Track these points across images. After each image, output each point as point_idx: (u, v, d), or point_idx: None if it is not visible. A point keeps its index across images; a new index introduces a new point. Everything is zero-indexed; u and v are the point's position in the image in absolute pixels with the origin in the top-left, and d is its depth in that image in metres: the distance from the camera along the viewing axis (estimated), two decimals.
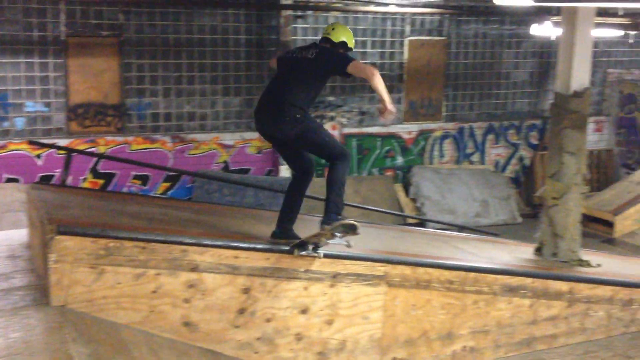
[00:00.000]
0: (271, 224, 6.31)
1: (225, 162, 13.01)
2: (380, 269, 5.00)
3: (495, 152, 15.46)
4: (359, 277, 4.95)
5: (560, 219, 6.65)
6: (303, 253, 4.83)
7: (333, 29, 5.39)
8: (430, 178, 14.33)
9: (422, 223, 13.24)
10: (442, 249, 6.62)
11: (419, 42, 14.26)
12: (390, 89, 14.30)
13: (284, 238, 5.07)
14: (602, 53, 15.96)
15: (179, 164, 12.39)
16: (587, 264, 6.68)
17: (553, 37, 13.16)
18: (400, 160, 14.66)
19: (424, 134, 14.81)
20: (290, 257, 4.75)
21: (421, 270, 5.15)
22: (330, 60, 5.14)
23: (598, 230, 13.41)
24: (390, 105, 5.20)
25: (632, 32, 13.85)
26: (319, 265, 4.82)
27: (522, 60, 15.39)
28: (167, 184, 12.57)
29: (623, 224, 13.19)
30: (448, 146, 14.99)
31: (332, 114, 13.93)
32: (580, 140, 6.59)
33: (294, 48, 5.45)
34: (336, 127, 13.99)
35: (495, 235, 10.72)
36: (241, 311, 4.65)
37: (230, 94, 13.08)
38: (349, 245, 4.84)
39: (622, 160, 16.41)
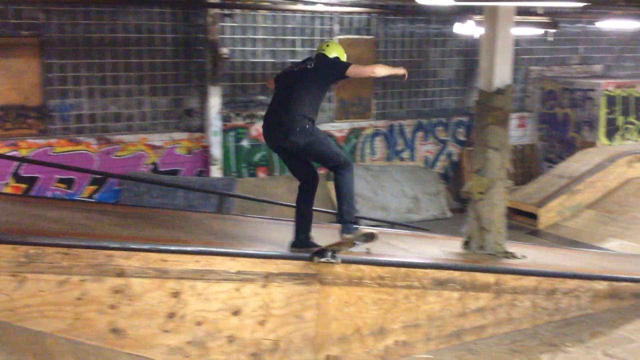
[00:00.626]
0: (203, 225, 6.23)
1: (154, 163, 12.77)
2: (312, 267, 5.00)
3: (425, 148, 15.75)
4: (291, 277, 4.93)
5: (486, 212, 6.82)
6: (323, 260, 5.03)
7: (327, 45, 5.58)
8: (362, 175, 14.46)
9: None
10: (376, 246, 6.67)
11: (348, 41, 14.36)
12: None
13: (303, 247, 5.26)
14: (523, 51, 16.50)
15: (105, 166, 12.08)
16: (513, 255, 6.87)
17: (476, 36, 13.51)
18: None
19: (355, 132, 14.93)
20: (221, 258, 4.69)
21: (353, 267, 5.17)
22: (330, 66, 5.36)
23: (523, 222, 13.83)
24: (401, 71, 5.48)
25: (552, 30, 14.33)
26: (251, 265, 4.78)
27: (448, 58, 15.74)
28: (93, 187, 12.23)
29: (547, 216, 13.65)
30: (379, 144, 15.17)
31: (263, 112, 13.83)
32: (504, 136, 6.77)
33: (290, 65, 5.69)
34: None
35: (426, 230, 10.91)
36: (171, 315, 4.55)
37: (158, 93, 12.84)
38: (369, 252, 5.20)
39: (545, 155, 17.01)
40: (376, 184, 14.40)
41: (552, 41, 16.63)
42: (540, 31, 14.92)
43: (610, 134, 15.93)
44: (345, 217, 5.27)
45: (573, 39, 17.17)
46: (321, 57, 5.45)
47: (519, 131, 16.84)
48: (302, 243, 5.35)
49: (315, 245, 5.29)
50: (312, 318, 4.98)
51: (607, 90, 15.66)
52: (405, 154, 15.52)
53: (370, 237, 5.19)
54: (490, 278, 5.81)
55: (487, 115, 6.70)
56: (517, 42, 16.26)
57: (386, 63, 15.00)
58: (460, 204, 14.78)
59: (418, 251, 6.73)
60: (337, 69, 5.33)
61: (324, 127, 14.48)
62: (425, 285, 5.48)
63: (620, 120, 16.01)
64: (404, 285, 5.40)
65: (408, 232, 8.91)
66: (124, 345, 4.46)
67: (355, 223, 5.27)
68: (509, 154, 7.01)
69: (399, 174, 14.85)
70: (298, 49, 14.00)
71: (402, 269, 5.39)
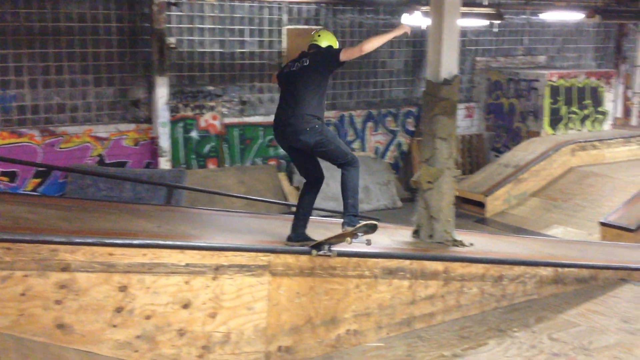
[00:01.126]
0: (151, 218, 6.13)
1: (99, 155, 12.50)
2: (263, 258, 4.97)
3: (375, 139, 15.86)
4: (242, 268, 4.89)
5: (435, 202, 6.90)
6: (320, 253, 5.22)
7: (319, 35, 5.60)
8: None
9: None
10: (325, 236, 6.67)
11: (297, 31, 14.33)
12: (270, 78, 14.30)
13: (299, 241, 5.41)
14: (470, 42, 16.76)
15: (49, 159, 11.77)
16: (461, 243, 6.97)
17: (424, 27, 13.65)
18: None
19: None
20: (169, 251, 4.62)
21: (304, 258, 5.17)
22: (324, 58, 5.38)
23: (471, 211, 14.09)
24: (400, 30, 5.47)
25: (497, 22, 14.59)
26: (200, 258, 4.73)
27: (397, 49, 15.86)
28: (37, 180, 11.91)
29: (493, 204, 13.94)
30: None
31: (212, 103, 13.72)
32: (451, 126, 6.85)
33: (287, 63, 5.64)
34: (217, 117, 13.80)
35: (376, 220, 10.99)
36: (118, 310, 4.47)
37: (103, 84, 12.57)
38: (369, 243, 5.21)
39: (491, 144, 17.34)
40: (327, 174, 14.28)
41: (498, 32, 16.95)
42: (485, 22, 15.19)
43: (554, 124, 16.35)
44: (350, 210, 5.42)
45: (518, 30, 17.53)
46: (314, 52, 5.49)
47: (466, 121, 17.13)
48: (298, 237, 5.49)
49: (311, 239, 5.43)
50: (264, 309, 4.96)
51: (550, 80, 16.06)
52: (356, 144, 15.60)
53: (371, 228, 5.25)
54: (439, 266, 5.90)
55: (435, 106, 6.77)
56: (464, 33, 16.52)
57: None
58: (410, 194, 14.95)
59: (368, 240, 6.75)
60: (330, 59, 5.36)
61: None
62: (375, 274, 5.52)
63: (563, 110, 16.45)
64: (355, 275, 5.43)
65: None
66: (70, 341, 4.35)
67: (357, 216, 5.42)
68: (456, 143, 7.11)
69: None
70: (247, 39, 13.89)
71: (353, 259, 5.41)
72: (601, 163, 15.14)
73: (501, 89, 16.86)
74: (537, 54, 18.01)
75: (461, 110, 16.89)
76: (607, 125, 17.28)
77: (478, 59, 17.08)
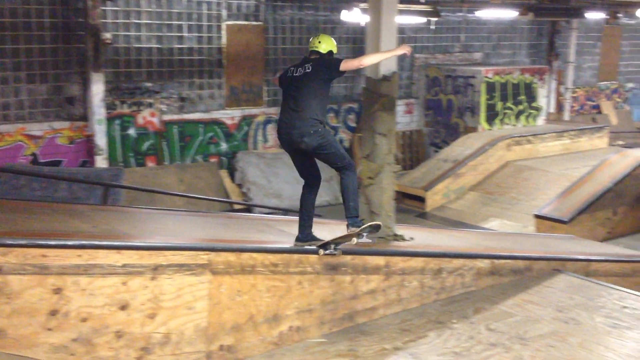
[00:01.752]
0: (87, 218, 5.97)
1: (33, 154, 12.12)
2: (203, 257, 4.91)
3: None
4: (181, 268, 4.82)
5: (376, 197, 6.98)
6: (327, 252, 5.53)
7: (319, 41, 5.80)
8: (255, 163, 14.41)
9: (248, 208, 13.28)
10: (267, 233, 6.67)
11: (237, 26, 14.23)
12: (209, 74, 14.22)
13: (308, 241, 5.70)
14: (409, 39, 16.97)
15: None
16: (402, 238, 7.08)
17: (363, 23, 13.76)
18: (224, 146, 14.58)
19: (246, 120, 14.84)
20: (106, 252, 4.51)
21: (245, 255, 5.13)
22: (326, 67, 5.63)
23: (412, 205, 14.29)
24: (401, 50, 5.93)
25: (434, 19, 14.82)
26: (138, 258, 4.63)
27: (337, 45, 15.87)
28: None
29: (433, 199, 14.17)
30: (271, 131, 15.16)
31: (150, 100, 13.49)
32: (391, 122, 6.94)
33: (290, 67, 5.85)
34: (155, 114, 13.57)
35: (319, 216, 11.02)
36: (53, 312, 4.33)
37: (36, 81, 12.17)
38: (373, 242, 5.60)
39: (431, 140, 17.62)
40: (270, 171, 14.39)
41: (435, 30, 17.23)
42: (423, 19, 15.42)
43: (490, 119, 16.74)
44: (352, 212, 5.72)
45: (454, 27, 17.86)
46: (316, 58, 5.71)
47: (406, 117, 17.35)
48: (306, 237, 5.76)
49: (318, 239, 5.72)
50: (204, 309, 4.91)
51: (486, 77, 16.43)
52: None
53: (375, 229, 5.61)
54: (380, 261, 5.95)
55: (375, 102, 6.83)
56: (403, 30, 16.71)
57: (276, 50, 15.00)
58: None
59: None
60: (331, 69, 5.63)
61: (214, 114, 14.30)
62: (318, 270, 5.53)
63: (499, 105, 16.85)
64: (297, 272, 5.42)
65: None
66: (3, 346, 4.20)
67: (359, 216, 5.74)
68: (396, 139, 7.19)
69: None
70: (185, 34, 13.70)
71: (295, 256, 5.41)
72: (535, 157, 15.59)
73: (439, 86, 17.15)
74: (474, 51, 18.39)
75: (401, 107, 17.11)
76: (540, 120, 17.79)
77: (417, 55, 17.32)
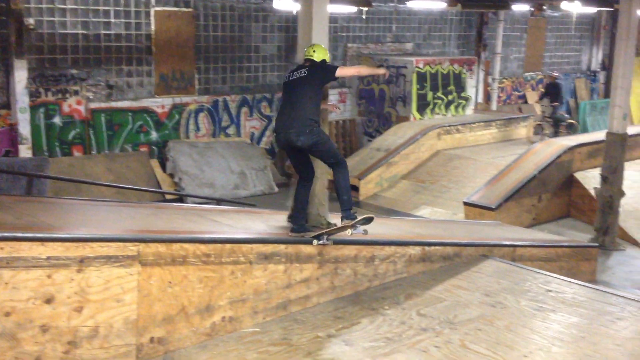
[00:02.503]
0: (9, 209, 5.73)
1: None
2: (132, 248, 4.79)
3: (250, 124, 15.79)
4: (109, 259, 4.69)
5: None
6: (320, 242, 5.93)
7: (314, 50, 6.35)
8: (187, 152, 14.19)
9: (181, 198, 13.08)
10: (199, 223, 6.57)
11: (166, 13, 13.93)
12: (138, 62, 13.89)
13: (302, 232, 6.14)
14: (342, 28, 17.04)
15: None
16: (335, 226, 7.08)
17: (294, 12, 13.71)
18: (154, 135, 14.29)
19: (177, 108, 14.58)
20: (29, 244, 4.34)
21: (176, 246, 5.04)
22: (321, 72, 6.23)
23: None
24: (382, 71, 6.65)
25: (365, 9, 14.89)
26: (63, 250, 4.48)
27: (269, 34, 15.82)
28: None
29: (367, 188, 14.32)
30: (203, 119, 14.96)
31: (76, 87, 13.05)
32: (323, 111, 6.91)
33: (289, 73, 6.42)
34: (82, 102, 13.15)
35: (252, 205, 10.97)
36: None
37: None
38: (366, 232, 6.08)
39: (364, 129, 17.77)
40: (202, 160, 14.20)
41: (367, 20, 17.35)
42: (354, 9, 15.50)
43: (421, 109, 17.02)
44: (346, 205, 6.19)
45: (386, 17, 18.03)
46: (312, 64, 6.27)
47: (339, 106, 17.42)
48: (300, 229, 6.21)
49: (311, 231, 6.19)
50: (134, 301, 4.80)
51: (417, 67, 16.67)
52: (231, 130, 15.45)
53: (368, 221, 6.07)
54: (313, 249, 5.96)
55: None
56: (335, 19, 16.76)
57: (207, 37, 14.78)
58: (287, 179, 15.05)
59: (244, 227, 6.72)
60: (327, 73, 6.23)
61: (144, 102, 13.98)
62: (251, 260, 5.50)
63: (429, 95, 17.15)
64: (230, 262, 5.37)
65: (234, 208, 8.88)
66: None
67: (352, 209, 6.20)
68: (329, 128, 7.19)
69: (225, 150, 14.76)
70: (112, 20, 13.31)
71: (228, 245, 5.35)
72: (464, 146, 15.97)
73: (372, 75, 17.29)
74: (405, 41, 18.63)
75: (334, 96, 17.18)
76: (469, 110, 18.22)
77: (349, 45, 17.41)
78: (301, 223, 6.28)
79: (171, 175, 13.88)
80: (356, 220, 6.05)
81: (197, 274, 5.17)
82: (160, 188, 13.50)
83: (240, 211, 8.00)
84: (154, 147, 14.23)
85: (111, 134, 13.66)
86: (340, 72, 6.28)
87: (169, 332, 5.01)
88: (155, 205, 8.03)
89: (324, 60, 6.34)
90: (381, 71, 6.65)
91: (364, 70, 6.86)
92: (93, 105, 13.30)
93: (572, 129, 18.09)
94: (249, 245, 5.49)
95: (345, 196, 6.22)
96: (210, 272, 5.24)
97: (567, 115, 17.66)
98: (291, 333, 5.35)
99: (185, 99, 14.62)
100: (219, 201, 11.65)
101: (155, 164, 14.02)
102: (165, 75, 14.28)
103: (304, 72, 6.21)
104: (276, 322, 5.57)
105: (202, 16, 14.60)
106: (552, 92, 17.42)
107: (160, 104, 14.24)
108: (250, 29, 15.44)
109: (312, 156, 6.38)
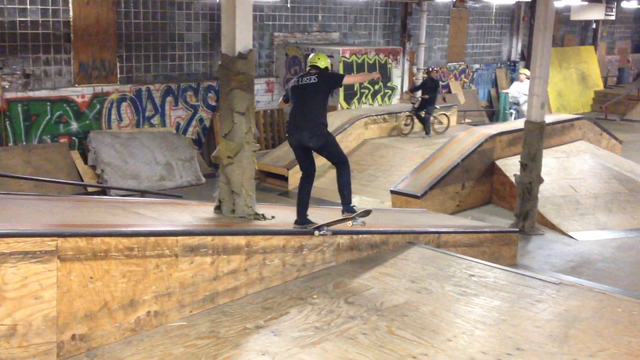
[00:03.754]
0: None
1: None
2: (50, 243, 4.61)
3: (176, 114, 15.49)
4: (26, 255, 4.50)
5: (236, 176, 6.90)
6: (321, 233, 6.55)
7: (318, 58, 7.01)
8: (110, 143, 13.79)
9: (104, 191, 12.72)
10: (122, 216, 6.39)
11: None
12: (56, 50, 13.37)
13: (304, 224, 6.71)
14: (268, 17, 16.92)
15: None
16: (263, 217, 7.06)
17: (218, 0, 13.51)
18: (74, 125, 13.82)
19: (98, 97, 14.13)
20: None
21: (97, 240, 4.88)
22: (330, 79, 6.91)
23: (275, 184, 14.35)
24: (374, 75, 7.35)
25: None
26: None
27: (194, 21, 15.54)
28: None
29: (295, 177, 14.23)
30: (126, 109, 14.57)
31: None
32: (249, 100, 6.85)
33: (297, 77, 6.98)
34: None
35: (179, 197, 10.79)
36: None
37: None
38: (364, 224, 6.72)
39: None
40: (126, 151, 13.82)
41: (293, 8, 17.29)
42: None
43: (348, 98, 17.12)
44: (346, 200, 6.87)
45: (312, 6, 18.02)
46: (321, 72, 6.89)
47: (267, 96, 17.34)
48: (303, 221, 6.77)
49: (313, 223, 6.70)
50: (53, 297, 4.62)
51: (344, 57, 16.75)
52: (156, 120, 15.11)
53: (366, 214, 6.79)
54: (241, 240, 5.91)
55: (231, 80, 6.72)
56: (261, 8, 16.63)
57: (129, 25, 14.37)
58: (214, 169, 14.84)
59: (169, 219, 6.59)
60: (335, 81, 6.92)
61: (63, 92, 13.49)
62: (176, 252, 5.39)
63: (356, 85, 17.26)
64: (155, 255, 5.25)
65: (160, 200, 8.69)
66: None
67: (352, 203, 6.92)
68: (254, 117, 7.13)
69: (150, 140, 14.42)
70: (28, 6, 12.74)
71: (152, 238, 5.22)
72: (391, 135, 16.17)
73: (299, 65, 17.26)
74: (331, 31, 18.69)
75: (262, 85, 17.06)
76: (395, 100, 18.46)
77: (276, 34, 17.31)
78: (304, 215, 6.83)
79: (93, 167, 13.46)
80: (355, 213, 6.71)
81: (120, 269, 5.03)
82: (82, 180, 13.07)
83: (165, 203, 7.84)
84: (74, 138, 13.76)
85: (29, 125, 13.11)
86: (347, 80, 6.93)
87: (91, 328, 4.86)
88: (75, 199, 7.77)
89: (326, 68, 6.99)
90: (375, 75, 7.37)
91: (365, 77, 7.61)
92: (9, 95, 12.72)
93: (426, 124, 16.39)
94: (174, 238, 5.38)
95: (345, 191, 6.87)
96: (134, 266, 5.11)
97: (437, 107, 16.69)
98: (219, 326, 5.28)
99: (107, 88, 14.18)
100: (143, 193, 11.39)
101: (76, 155, 13.56)
102: (85, 63, 13.80)
103: (314, 79, 6.80)
104: (204, 315, 5.50)
105: (123, 3, 14.18)
106: (429, 86, 16.23)
107: (80, 93, 13.76)
108: (174, 17, 15.11)
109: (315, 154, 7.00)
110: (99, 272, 4.90)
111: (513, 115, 18.53)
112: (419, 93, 17.14)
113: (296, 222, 6.80)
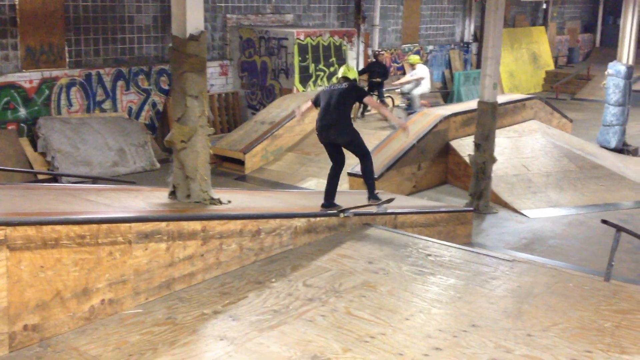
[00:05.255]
0: None
1: None
2: None
3: (127, 98, 15.20)
4: None
5: (190, 161, 6.80)
6: (346, 215, 7.40)
7: (349, 70, 8.35)
8: (60, 129, 13.46)
9: (55, 178, 12.42)
10: (73, 203, 6.25)
11: None
12: (2, 34, 12.96)
13: (331, 207, 7.69)
14: None
15: None
16: (219, 201, 6.99)
17: None
18: (23, 111, 13.44)
19: (47, 83, 13.76)
20: None
21: (47, 228, 4.76)
22: (357, 90, 8.08)
23: (231, 168, 14.26)
24: (404, 123, 9.44)
25: None
26: None
27: (144, 3, 15.21)
28: None
29: (252, 161, 14.24)
30: (76, 94, 14.23)
31: None
32: (202, 83, 6.75)
33: (330, 84, 8.14)
34: None
35: (132, 183, 10.59)
36: None
37: None
38: (386, 210, 7.96)
39: (248, 102, 17.60)
40: (76, 137, 13.51)
41: None
42: None
43: (304, 81, 17.05)
44: (371, 188, 8.04)
45: None
46: (351, 83, 8.08)
47: (221, 79, 17.14)
48: (330, 204, 7.78)
49: (338, 207, 7.63)
50: (3, 288, 4.49)
51: (298, 39, 16.65)
52: (107, 105, 14.80)
53: (390, 201, 8.01)
54: (197, 226, 5.84)
55: (183, 63, 6.60)
56: None
57: (77, 7, 13.98)
58: (168, 154, 14.61)
59: (122, 205, 6.48)
60: (360, 94, 8.06)
61: (10, 77, 13.08)
62: (130, 239, 5.29)
63: (312, 67, 17.20)
64: (108, 242, 5.15)
65: (112, 186, 8.53)
66: None
67: (376, 190, 8.13)
68: (208, 101, 7.03)
69: (101, 125, 14.13)
70: None
71: (104, 226, 5.11)
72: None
73: (253, 47, 17.10)
74: (285, 13, 18.54)
75: (215, 68, 16.85)
76: None
77: (229, 16, 17.08)
78: (331, 200, 7.82)
79: (43, 154, 13.13)
80: (380, 201, 7.91)
81: (72, 257, 4.91)
82: (32, 168, 12.74)
83: (118, 189, 7.69)
84: (22, 124, 13.38)
85: None
86: (368, 101, 8.20)
87: (44, 318, 4.75)
88: (25, 187, 7.57)
89: (354, 79, 8.33)
90: (398, 123, 9.84)
91: (386, 114, 9.34)
92: None
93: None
94: (128, 225, 5.28)
95: (370, 180, 8.05)
96: (86, 254, 5.00)
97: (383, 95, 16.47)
98: (176, 312, 5.23)
99: (56, 72, 13.80)
100: (95, 180, 11.15)
101: (25, 142, 13.19)
102: (32, 48, 13.38)
103: (345, 86, 7.93)
104: (160, 302, 5.42)
105: None
106: (376, 70, 16.06)
107: (28, 78, 13.37)
108: None
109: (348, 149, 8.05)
110: (50, 261, 4.78)
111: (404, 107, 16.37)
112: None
113: (323, 205, 7.77)
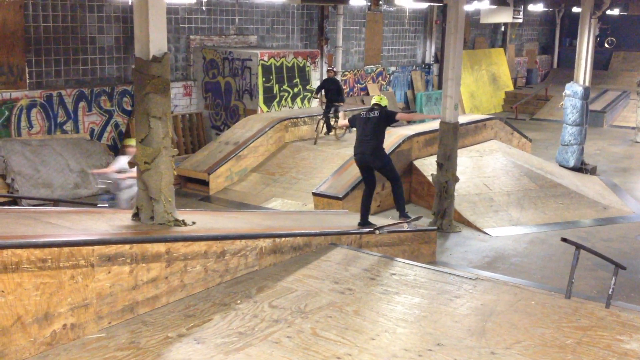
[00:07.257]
0: None
1: None
2: None
3: (89, 119, 15.03)
4: None
5: (154, 182, 6.75)
6: (381, 232, 8.52)
7: (381, 98, 9.29)
8: (20, 151, 13.22)
9: (14, 201, 12.18)
10: (33, 226, 6.13)
11: None
12: None
13: (366, 226, 8.73)
14: (183, 20, 16.67)
15: None
16: (183, 223, 6.94)
17: (130, 2, 13.21)
18: None
19: (7, 104, 13.54)
20: None
21: (7, 252, 4.66)
22: (388, 115, 9.03)
23: (195, 189, 14.16)
24: (426, 116, 10.63)
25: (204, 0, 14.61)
26: None
27: (106, 24, 15.13)
28: None
29: (216, 182, 14.17)
30: (37, 115, 14.02)
31: None
32: (165, 104, 6.71)
33: (363, 111, 9.49)
34: None
35: (94, 205, 10.44)
36: None
37: None
38: (415, 227, 9.30)
39: (212, 123, 17.56)
40: (37, 159, 13.29)
41: (209, 11, 17.12)
42: (193, 0, 15.25)
43: (268, 102, 17.10)
44: (402, 208, 9.18)
45: (228, 9, 17.90)
46: (382, 109, 9.12)
47: (185, 100, 17.08)
48: (365, 222, 8.84)
49: (374, 224, 8.77)
50: None
51: (262, 60, 16.72)
52: (68, 126, 14.60)
53: (418, 218, 9.66)
54: (161, 248, 5.78)
55: (146, 84, 6.56)
56: (176, 10, 16.37)
57: (38, 28, 13.83)
58: None
59: (84, 228, 6.37)
60: (390, 119, 9.00)
61: None
62: (92, 262, 5.22)
63: (276, 88, 17.27)
64: (69, 266, 5.06)
65: (74, 209, 8.39)
66: None
67: (406, 210, 9.32)
68: (171, 122, 7.00)
69: (63, 147, 13.92)
70: None
71: (65, 249, 5.03)
72: (312, 138, 16.26)
73: (217, 68, 17.11)
74: (249, 34, 18.61)
75: (179, 89, 16.79)
76: (315, 102, 18.58)
77: (192, 37, 17.07)
78: (366, 219, 8.86)
79: (3, 177, 12.87)
80: (411, 219, 9.15)
81: (33, 281, 4.82)
82: None
83: (80, 212, 7.57)
84: None
85: None
86: (399, 116, 9.43)
87: (4, 344, 4.64)
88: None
89: (386, 106, 9.28)
90: (429, 117, 10.68)
91: (416, 117, 11.74)
92: None
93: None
94: (90, 247, 5.21)
95: (400, 201, 9.13)
96: (48, 278, 4.91)
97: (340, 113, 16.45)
98: (139, 336, 5.15)
99: (15, 94, 13.59)
100: (56, 202, 10.96)
101: None
102: None
103: (377, 114, 8.92)
104: (123, 326, 5.35)
105: (31, 5, 13.64)
106: (330, 87, 16.08)
107: None
108: (85, 19, 14.65)
109: (377, 172, 9.17)
110: (10, 286, 4.68)
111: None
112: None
113: (359, 224, 8.79)
